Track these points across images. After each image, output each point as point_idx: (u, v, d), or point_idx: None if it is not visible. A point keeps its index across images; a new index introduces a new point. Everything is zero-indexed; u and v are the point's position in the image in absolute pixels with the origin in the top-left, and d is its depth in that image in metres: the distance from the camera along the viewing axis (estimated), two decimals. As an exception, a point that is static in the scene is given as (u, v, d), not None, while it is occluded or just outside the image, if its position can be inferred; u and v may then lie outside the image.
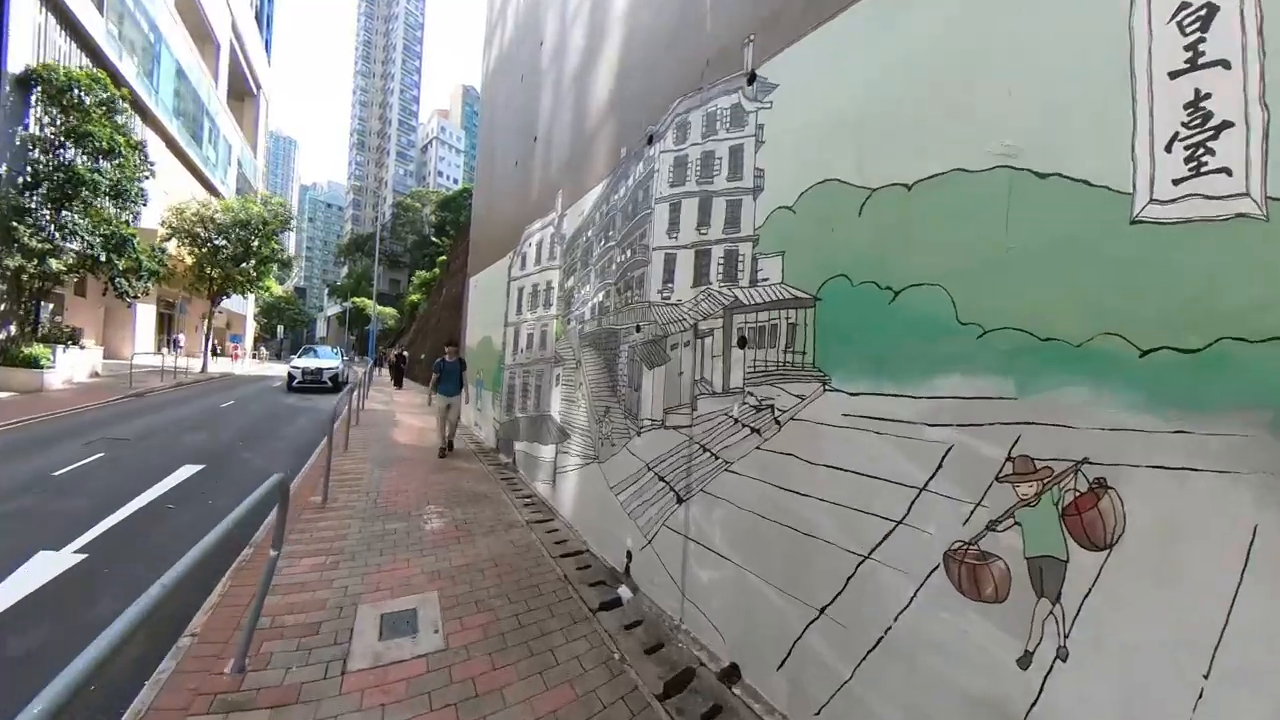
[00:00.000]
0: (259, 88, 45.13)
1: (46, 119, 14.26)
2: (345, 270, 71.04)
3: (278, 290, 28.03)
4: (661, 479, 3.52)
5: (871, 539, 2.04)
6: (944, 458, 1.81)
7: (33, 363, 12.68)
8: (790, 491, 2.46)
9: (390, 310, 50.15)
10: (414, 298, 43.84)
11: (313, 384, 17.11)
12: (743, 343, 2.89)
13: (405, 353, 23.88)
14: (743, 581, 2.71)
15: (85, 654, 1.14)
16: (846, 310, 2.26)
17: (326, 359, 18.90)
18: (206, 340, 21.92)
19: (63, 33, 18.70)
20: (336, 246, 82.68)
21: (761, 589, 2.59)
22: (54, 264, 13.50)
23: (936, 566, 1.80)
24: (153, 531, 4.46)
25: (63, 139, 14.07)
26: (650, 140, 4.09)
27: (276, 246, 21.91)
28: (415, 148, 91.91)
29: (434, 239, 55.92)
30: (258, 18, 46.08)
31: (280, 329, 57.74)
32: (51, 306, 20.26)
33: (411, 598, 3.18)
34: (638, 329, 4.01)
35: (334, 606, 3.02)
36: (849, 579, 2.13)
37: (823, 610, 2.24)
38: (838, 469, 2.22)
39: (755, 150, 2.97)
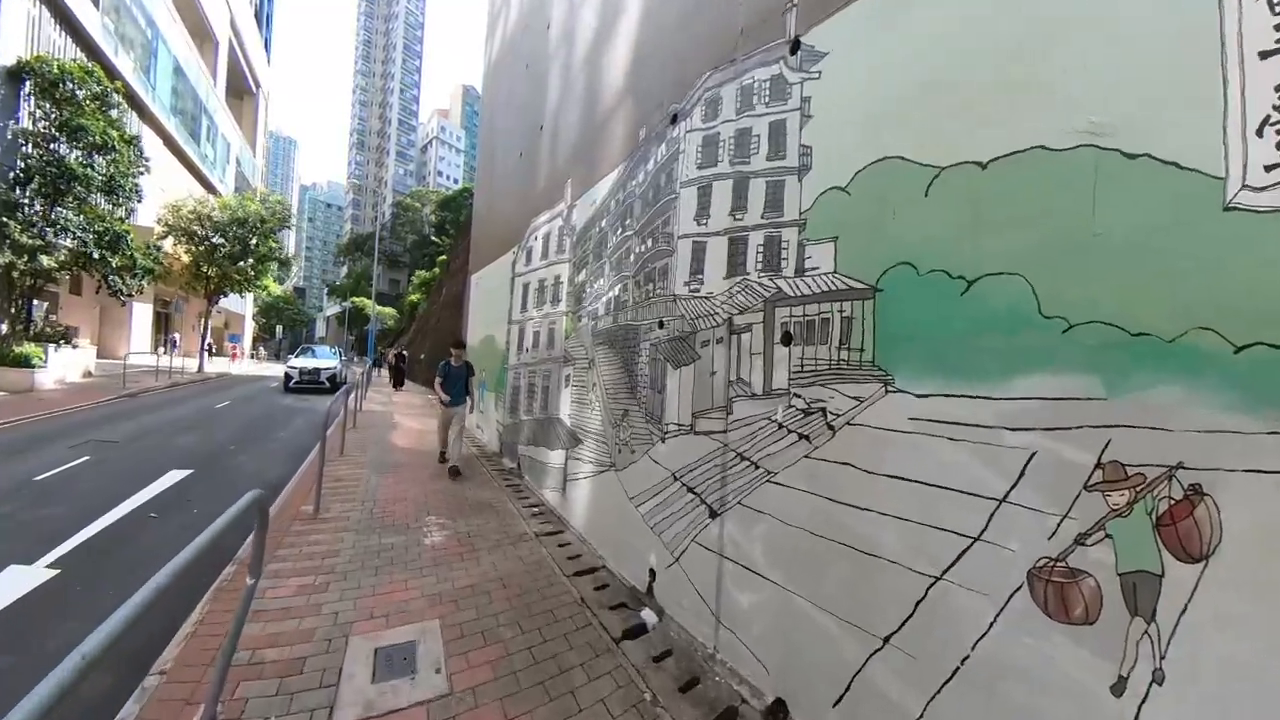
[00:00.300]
0: (258, 86, 44.87)
1: (39, 113, 13.90)
2: (345, 270, 70.74)
3: (276, 290, 27.68)
4: (690, 490, 3.18)
5: (944, 557, 1.80)
6: (1026, 465, 1.62)
7: (24, 362, 12.35)
8: (847, 505, 2.16)
9: (390, 310, 49.85)
10: (413, 297, 43.55)
11: (310, 384, 16.71)
12: (787, 339, 2.55)
13: (405, 352, 22.82)
14: (789, 606, 2.38)
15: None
16: (911, 302, 1.99)
17: (324, 359, 18.46)
18: (203, 340, 21.57)
19: (57, 26, 18.38)
20: (336, 246, 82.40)
21: (812, 615, 2.27)
22: (45, 261, 13.17)
23: (1020, 586, 1.60)
24: (132, 544, 4.11)
25: (55, 133, 13.73)
26: (674, 119, 3.75)
27: (275, 245, 21.57)
28: (415, 147, 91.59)
29: (434, 238, 55.64)
30: (257, 16, 45.79)
31: (279, 329, 57.41)
32: (46, 305, 19.95)
33: (410, 627, 2.82)
34: (661, 325, 3.67)
35: (322, 638, 2.67)
36: (918, 603, 1.87)
37: (888, 639, 1.96)
38: (904, 479, 1.95)
39: (801, 126, 2.63)
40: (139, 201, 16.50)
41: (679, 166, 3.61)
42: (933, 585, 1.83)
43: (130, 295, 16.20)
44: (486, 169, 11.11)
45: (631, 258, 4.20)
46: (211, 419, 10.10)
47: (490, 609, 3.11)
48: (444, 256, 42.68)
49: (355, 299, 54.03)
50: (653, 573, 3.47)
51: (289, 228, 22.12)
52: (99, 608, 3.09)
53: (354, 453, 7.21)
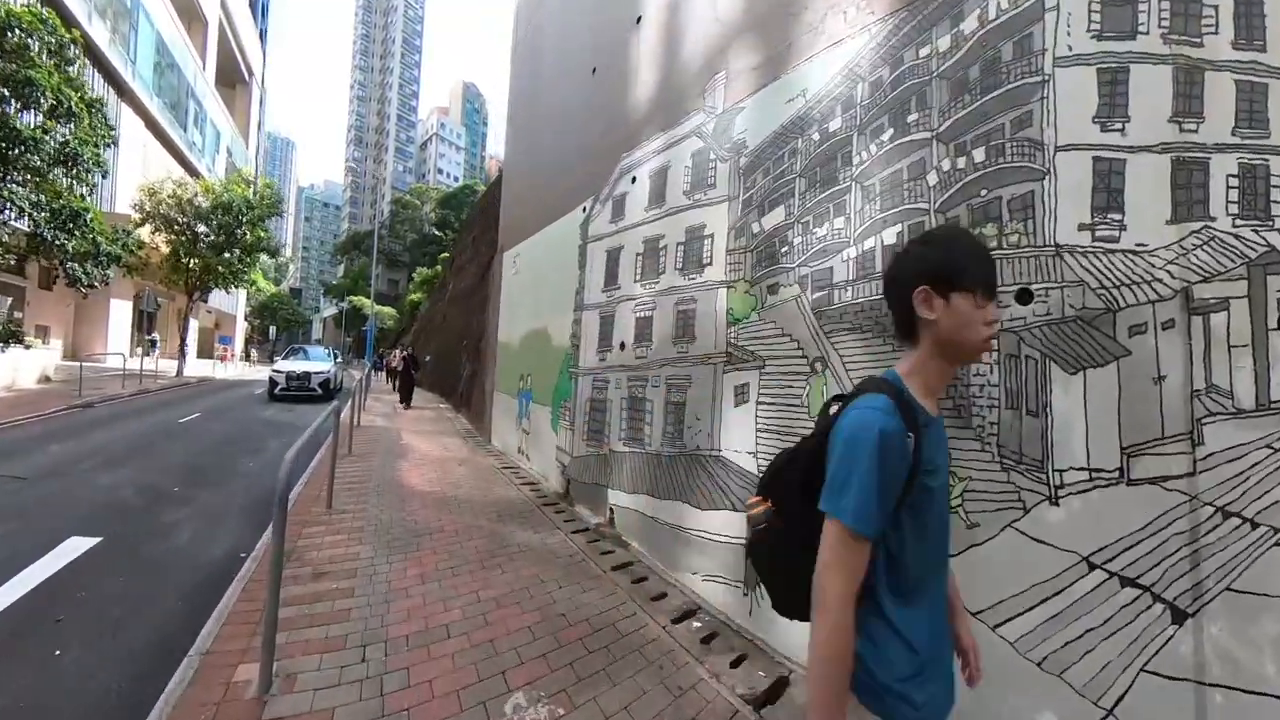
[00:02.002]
0: (251, 74, 42.77)
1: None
2: (342, 270, 68.36)
3: (264, 284, 25.32)
4: (1130, 583, 1.57)
5: None
6: None
7: (-47, 365, 10.07)
8: None
9: (389, 310, 47.48)
10: (414, 296, 41.40)
11: (299, 392, 14.06)
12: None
13: (414, 354, 15.33)
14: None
15: None
16: None
17: (316, 361, 15.70)
18: (183, 341, 19.22)
19: (16, -19, 16.13)
20: (333, 245, 80.00)
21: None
22: (-19, 241, 10.92)
23: None
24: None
25: (2, 90, 11.45)
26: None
27: (263, 234, 19.24)
28: (414, 144, 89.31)
29: (437, 231, 53.53)
30: (252, 5, 43.70)
31: (273, 330, 54.88)
32: (10, 301, 17.68)
33: None
34: (1024, 297, 1.84)
35: None
36: None
37: None
38: None
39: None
40: (104, 176, 14.25)
41: (1046, 31, 1.91)
42: None
43: (92, 286, 13.92)
44: (523, 112, 8.67)
45: (931, 179, 2.12)
46: (165, 441, 7.76)
47: None
48: (446, 254, 40.49)
49: (353, 298, 51.62)
50: None
51: (279, 214, 19.76)
52: None
53: (347, 504, 4.84)
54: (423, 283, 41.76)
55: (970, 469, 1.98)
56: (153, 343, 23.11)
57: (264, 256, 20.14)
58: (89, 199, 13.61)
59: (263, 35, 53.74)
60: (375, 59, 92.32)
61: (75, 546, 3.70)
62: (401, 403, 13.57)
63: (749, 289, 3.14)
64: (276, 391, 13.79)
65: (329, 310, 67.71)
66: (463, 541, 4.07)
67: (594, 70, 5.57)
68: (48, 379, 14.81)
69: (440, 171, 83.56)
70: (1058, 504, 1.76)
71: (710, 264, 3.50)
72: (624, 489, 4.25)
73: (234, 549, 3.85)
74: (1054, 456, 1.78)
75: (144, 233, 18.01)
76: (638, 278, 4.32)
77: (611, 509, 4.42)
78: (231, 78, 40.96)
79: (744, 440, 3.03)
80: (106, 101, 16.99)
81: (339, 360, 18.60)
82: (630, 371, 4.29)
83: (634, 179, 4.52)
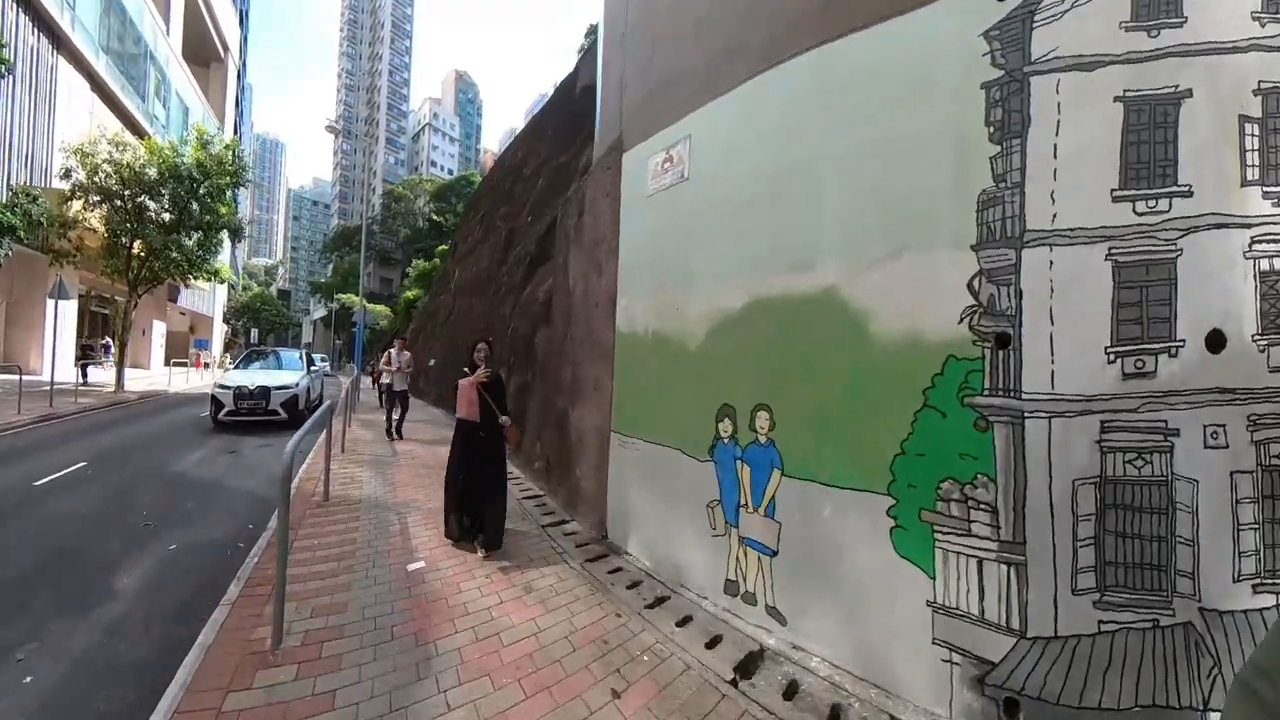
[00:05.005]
0: (226, 49, 38.52)
1: None
2: (331, 269, 64.10)
3: (228, 274, 21.23)
4: None
5: None
6: None
7: None
8: None
9: (382, 308, 43.41)
10: (411, 294, 37.45)
11: (253, 415, 9.66)
12: None
13: (488, 363, 4.22)
14: None
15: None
16: None
17: (284, 369, 11.38)
18: (123, 347, 15.20)
19: None
20: (322, 242, 75.67)
21: None
22: None
23: None
24: None
25: None
26: None
27: (225, 210, 15.26)
28: (406, 135, 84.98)
29: (436, 218, 49.76)
30: (230, -17, 39.54)
31: (255, 333, 50.58)
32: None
33: None
34: None
35: None
36: None
37: None
38: None
39: None
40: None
41: None
42: None
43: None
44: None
45: None
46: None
47: None
48: (444, 247, 36.62)
49: (342, 296, 47.44)
50: None
51: (244, 184, 15.72)
52: None
53: None
54: (419, 277, 37.91)
55: None
56: (106, 348, 19.11)
57: (224, 236, 16.11)
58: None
59: (244, 16, 49.52)
60: (364, 45, 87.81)
61: None
62: (453, 533, 4.18)
63: None
64: (222, 415, 9.45)
65: (319, 311, 63.43)
66: None
67: None
68: (-78, 399, 10.85)
69: (433, 164, 79.35)
70: None
71: None
72: None
73: None
74: None
75: (75, 208, 14.08)
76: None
77: None
78: (205, 54, 36.96)
79: None
80: (47, 61, 12.99)
81: (315, 368, 14.19)
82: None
83: None
